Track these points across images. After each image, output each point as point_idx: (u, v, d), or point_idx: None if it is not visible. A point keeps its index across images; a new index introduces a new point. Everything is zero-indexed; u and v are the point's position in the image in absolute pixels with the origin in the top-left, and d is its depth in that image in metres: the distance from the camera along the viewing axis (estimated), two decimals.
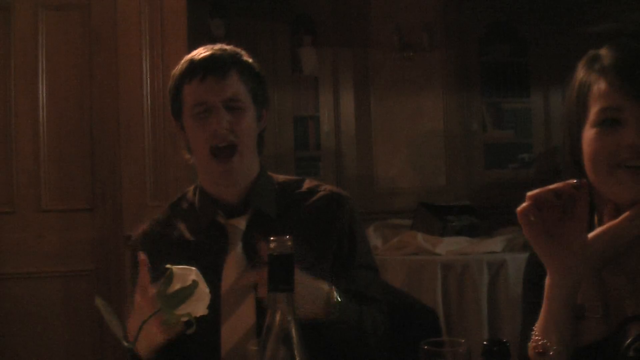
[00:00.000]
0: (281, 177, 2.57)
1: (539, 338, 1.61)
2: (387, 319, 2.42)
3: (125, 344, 1.40)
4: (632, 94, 1.66)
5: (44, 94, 5.19)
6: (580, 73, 1.79)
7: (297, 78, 7.23)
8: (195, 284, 1.47)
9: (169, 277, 1.47)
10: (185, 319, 1.48)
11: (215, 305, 2.21)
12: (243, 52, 2.46)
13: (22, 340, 5.05)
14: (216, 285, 2.28)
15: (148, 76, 5.05)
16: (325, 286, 2.20)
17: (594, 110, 1.71)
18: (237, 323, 2.28)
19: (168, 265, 1.49)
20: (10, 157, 5.15)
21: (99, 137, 5.22)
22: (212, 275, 2.20)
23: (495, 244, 5.58)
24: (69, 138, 5.20)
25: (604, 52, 1.77)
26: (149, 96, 5.01)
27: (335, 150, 7.18)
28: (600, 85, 1.71)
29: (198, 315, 1.49)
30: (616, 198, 1.68)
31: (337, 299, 2.20)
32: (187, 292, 1.46)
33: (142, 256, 2.02)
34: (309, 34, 7.27)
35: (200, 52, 2.39)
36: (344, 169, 7.17)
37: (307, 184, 2.52)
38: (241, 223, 2.39)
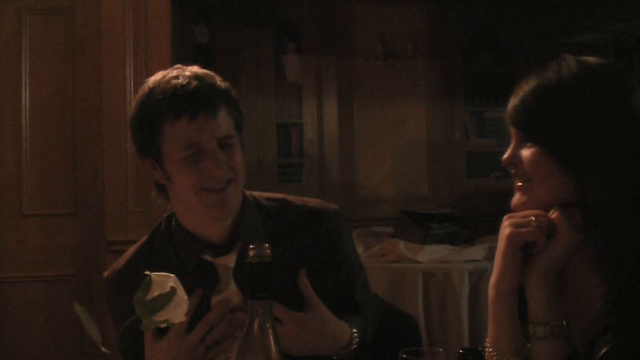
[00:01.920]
0: (262, 198, 2.37)
1: (493, 352, 1.64)
2: (377, 312, 2.45)
3: (104, 349, 1.41)
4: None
5: (27, 99, 5.18)
6: None
7: (280, 85, 7.23)
8: (173, 290, 1.47)
9: (147, 284, 1.47)
10: (163, 325, 1.48)
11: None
12: (217, 77, 2.20)
13: (3, 344, 5.04)
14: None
15: (131, 82, 5.04)
16: (346, 327, 2.19)
17: None
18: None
19: (147, 272, 1.49)
20: None
21: (81, 143, 5.21)
22: (204, 312, 2.17)
23: (476, 253, 5.59)
24: (51, 143, 5.20)
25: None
26: (132, 102, 5.00)
27: (318, 157, 7.18)
28: None
29: (176, 321, 1.49)
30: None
31: (355, 339, 2.18)
32: (166, 298, 1.46)
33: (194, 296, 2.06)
34: (293, 41, 7.28)
35: (180, 82, 2.09)
36: (326, 177, 7.18)
37: (291, 205, 2.37)
38: (229, 261, 2.20)
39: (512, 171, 1.79)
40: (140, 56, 5.09)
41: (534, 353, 1.63)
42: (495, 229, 1.77)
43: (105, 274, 2.37)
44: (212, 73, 2.20)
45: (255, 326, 1.40)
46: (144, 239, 2.37)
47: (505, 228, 1.69)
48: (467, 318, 5.26)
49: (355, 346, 2.18)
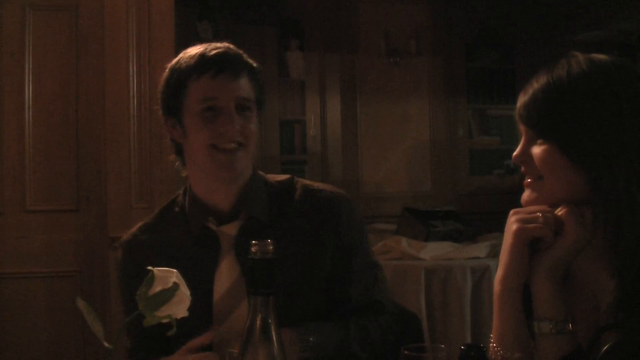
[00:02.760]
0: (272, 178, 2.46)
1: (498, 347, 1.64)
2: (383, 318, 2.39)
3: (107, 344, 1.41)
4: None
5: (30, 95, 5.18)
6: None
7: (284, 82, 7.24)
8: (176, 286, 1.48)
9: (150, 279, 1.47)
10: (166, 320, 1.48)
11: (207, 312, 2.25)
12: (247, 55, 2.36)
13: (6, 341, 5.04)
14: (208, 293, 2.26)
15: (135, 78, 5.03)
16: (291, 334, 2.11)
17: None
18: (230, 329, 2.24)
19: (149, 267, 1.49)
20: None
21: (84, 139, 5.21)
22: (204, 283, 2.25)
23: (479, 250, 5.59)
24: (54, 139, 5.19)
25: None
26: (135, 98, 5.00)
27: (321, 154, 7.19)
28: None
29: (179, 317, 1.49)
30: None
31: (307, 341, 2.09)
32: (168, 294, 1.46)
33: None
34: (296, 38, 7.28)
35: (211, 48, 2.28)
36: (329, 173, 7.18)
37: (299, 185, 2.42)
38: (233, 230, 2.30)
39: (522, 168, 1.79)
40: (143, 53, 5.09)
41: (539, 349, 1.63)
42: (498, 227, 1.78)
43: (121, 237, 2.48)
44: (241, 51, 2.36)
45: (258, 322, 1.40)
46: (162, 206, 2.50)
47: (512, 224, 1.69)
48: (470, 315, 5.26)
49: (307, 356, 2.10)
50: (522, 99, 1.78)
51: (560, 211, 1.68)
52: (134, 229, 2.47)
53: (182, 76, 2.26)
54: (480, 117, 7.63)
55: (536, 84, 1.75)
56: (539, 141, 1.74)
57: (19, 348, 5.04)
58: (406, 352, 1.44)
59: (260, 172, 2.45)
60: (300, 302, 2.26)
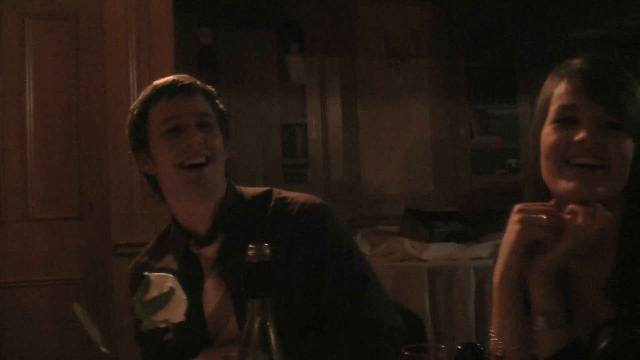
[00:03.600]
0: (249, 192, 2.46)
1: (499, 341, 1.64)
2: (373, 339, 2.26)
3: (104, 350, 1.42)
4: (589, 96, 1.72)
5: (31, 103, 5.19)
6: (548, 80, 1.84)
7: (284, 86, 7.24)
8: (172, 290, 1.49)
9: (146, 284, 1.48)
10: (163, 325, 1.49)
11: (202, 327, 2.31)
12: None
13: (11, 349, 5.05)
14: (200, 311, 2.31)
15: (135, 85, 5.04)
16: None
17: (552, 109, 1.76)
18: (226, 340, 2.29)
19: (145, 273, 1.51)
20: None
21: (86, 146, 5.22)
22: (195, 302, 2.27)
23: (482, 250, 5.59)
24: (56, 147, 5.21)
25: (574, 60, 1.81)
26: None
27: (323, 157, 7.19)
28: (561, 86, 1.77)
29: (176, 321, 1.50)
30: (565, 196, 1.71)
31: None
32: (165, 298, 1.47)
33: None
34: (296, 41, 7.29)
35: (163, 79, 2.36)
36: (331, 176, 7.19)
37: (275, 198, 2.42)
38: (211, 252, 2.34)
39: (591, 152, 1.71)
40: (143, 59, 5.10)
41: (537, 343, 1.64)
42: (501, 226, 1.77)
43: (129, 265, 2.56)
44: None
45: (256, 325, 1.40)
46: (161, 230, 2.57)
47: (516, 223, 1.69)
48: (474, 315, 5.26)
49: None
50: (589, 73, 1.76)
51: (567, 214, 1.68)
52: (138, 256, 2.55)
53: (142, 107, 2.34)
54: (481, 117, 7.63)
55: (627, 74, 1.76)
56: (621, 132, 1.71)
57: (23, 356, 5.05)
58: (407, 352, 1.44)
59: (238, 188, 2.46)
60: (281, 317, 2.24)
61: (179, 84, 2.32)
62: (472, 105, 7.59)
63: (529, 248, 1.68)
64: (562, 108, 1.75)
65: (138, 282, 2.32)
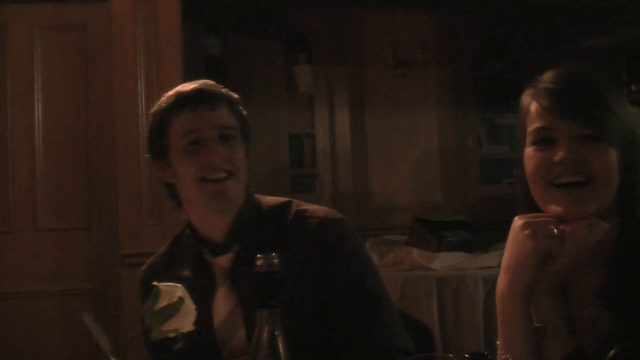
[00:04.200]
0: (268, 202, 2.43)
1: (508, 357, 1.63)
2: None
3: (113, 359, 1.42)
4: (561, 115, 1.69)
5: (40, 114, 5.21)
6: (524, 95, 1.83)
7: (292, 96, 7.25)
8: (181, 300, 1.49)
9: (156, 294, 1.49)
10: (172, 335, 1.50)
11: (211, 337, 2.29)
12: (223, 88, 2.38)
13: (19, 359, 5.06)
14: (209, 320, 2.29)
15: (143, 96, 5.06)
16: None
17: (529, 130, 1.75)
18: (235, 350, 2.27)
19: (155, 283, 1.51)
20: (7, 176, 5.16)
21: (94, 157, 5.24)
22: (205, 310, 2.26)
23: (490, 259, 5.58)
24: (64, 158, 5.22)
25: (543, 76, 1.80)
26: (144, 115, 5.02)
27: (331, 167, 7.19)
28: (532, 107, 1.76)
29: (185, 331, 1.51)
30: (557, 216, 1.69)
31: None
32: (174, 308, 1.48)
33: None
34: (303, 51, 7.30)
35: (187, 86, 2.31)
36: (339, 186, 7.19)
37: (294, 210, 2.39)
38: (226, 261, 2.31)
39: (574, 169, 1.68)
40: (151, 70, 5.12)
41: (543, 353, 1.63)
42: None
43: (141, 268, 2.55)
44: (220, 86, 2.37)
45: (264, 335, 1.41)
46: (175, 234, 2.55)
47: (528, 237, 1.66)
48: (482, 324, 5.25)
49: None
50: (555, 87, 1.74)
51: (567, 227, 1.66)
52: (151, 259, 2.54)
53: (163, 116, 2.29)
54: (489, 127, 7.63)
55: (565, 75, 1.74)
56: (599, 142, 1.68)
57: None
58: None
59: (257, 197, 2.44)
60: (290, 330, 2.23)
61: (203, 95, 2.27)
62: (480, 115, 7.59)
63: (541, 258, 1.67)
64: (537, 130, 1.73)
65: (149, 286, 2.33)
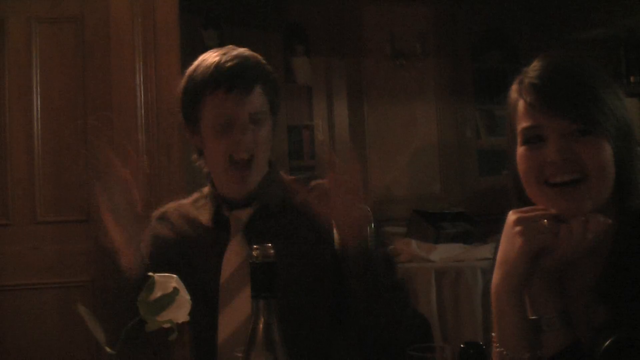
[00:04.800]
0: (289, 177, 2.57)
1: (504, 350, 1.62)
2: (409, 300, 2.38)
3: (109, 350, 1.42)
4: (549, 112, 1.68)
5: (38, 106, 5.20)
6: (512, 91, 1.81)
7: (290, 88, 7.23)
8: (176, 291, 1.50)
9: (151, 285, 1.49)
10: (167, 325, 1.50)
11: (213, 293, 2.31)
12: (263, 60, 2.45)
13: (19, 352, 5.06)
14: (217, 274, 2.33)
15: (141, 88, 5.05)
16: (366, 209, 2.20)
17: (519, 129, 1.74)
18: (235, 311, 2.28)
19: (150, 274, 1.51)
20: (5, 169, 5.16)
21: (93, 149, 5.23)
22: (213, 265, 2.33)
23: (489, 251, 5.54)
24: (63, 150, 5.22)
25: (529, 68, 1.78)
26: (142, 108, 5.02)
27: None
28: (520, 105, 1.75)
29: (179, 321, 1.51)
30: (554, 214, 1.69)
31: (370, 236, 2.22)
32: (168, 299, 1.49)
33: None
34: (301, 43, 7.29)
35: (226, 60, 2.34)
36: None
37: (313, 182, 2.47)
38: (244, 215, 2.40)
39: (566, 167, 1.68)
40: (149, 63, 5.11)
41: (540, 346, 1.63)
42: None
43: (153, 213, 2.62)
44: (258, 56, 2.45)
45: (261, 325, 1.41)
46: (200, 190, 2.62)
47: (519, 235, 1.66)
48: (481, 316, 5.25)
49: (367, 241, 2.19)
50: (540, 82, 1.72)
51: (563, 224, 1.66)
52: (164, 208, 2.61)
53: (198, 88, 2.35)
54: (488, 118, 7.61)
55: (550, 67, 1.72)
56: (588, 136, 1.66)
57: (32, 359, 5.06)
58: (411, 352, 1.45)
59: (281, 172, 2.56)
60: (306, 298, 2.28)
61: (240, 76, 2.31)
62: (479, 106, 7.58)
63: (533, 254, 1.66)
64: (526, 130, 1.72)
65: (161, 235, 2.43)
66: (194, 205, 2.55)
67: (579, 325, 1.65)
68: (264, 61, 2.45)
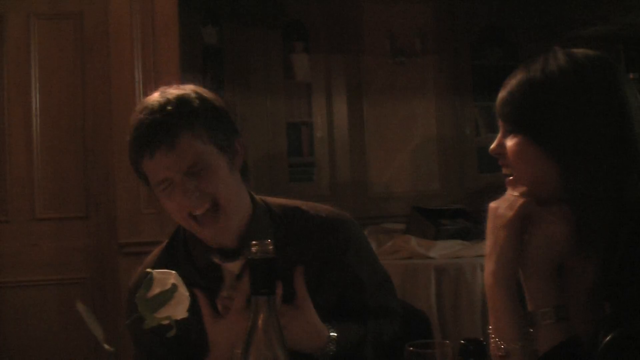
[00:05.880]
0: (275, 205, 2.36)
1: (499, 341, 1.63)
2: (395, 322, 2.40)
3: (107, 347, 1.42)
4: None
5: (37, 103, 5.21)
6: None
7: (289, 84, 7.24)
8: (174, 287, 1.49)
9: (149, 281, 1.49)
10: (165, 322, 1.50)
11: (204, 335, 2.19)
12: (191, 94, 2.15)
13: (19, 349, 5.07)
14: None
15: (141, 84, 5.05)
16: (318, 323, 2.12)
17: None
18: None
19: (148, 270, 1.51)
20: (4, 166, 5.17)
21: (92, 146, 5.24)
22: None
23: None
24: (62, 147, 5.23)
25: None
26: None
27: (329, 155, 7.19)
28: None
29: (178, 318, 1.51)
30: None
31: (331, 335, 2.14)
32: (167, 295, 1.48)
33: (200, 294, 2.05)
34: (301, 40, 7.29)
35: (140, 118, 2.10)
36: (337, 175, 7.18)
37: (303, 214, 2.34)
38: (235, 268, 2.20)
39: (500, 162, 1.81)
40: (148, 59, 5.10)
41: (536, 339, 1.64)
42: None
43: (130, 282, 2.39)
44: (187, 92, 2.16)
45: (260, 322, 1.40)
46: (164, 243, 2.41)
47: (501, 216, 1.72)
48: (480, 312, 5.26)
49: (331, 349, 2.13)
50: (500, 94, 1.80)
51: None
52: (149, 260, 2.40)
53: (132, 153, 2.15)
54: (487, 115, 7.61)
55: (513, 80, 1.77)
56: (513, 135, 1.75)
57: (30, 355, 5.06)
58: (411, 348, 1.45)
59: (262, 200, 2.36)
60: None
61: (159, 133, 2.06)
62: (478, 103, 7.58)
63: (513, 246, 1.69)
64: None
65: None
66: (171, 258, 2.35)
67: (580, 320, 1.66)
68: (191, 95, 2.14)
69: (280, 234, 2.28)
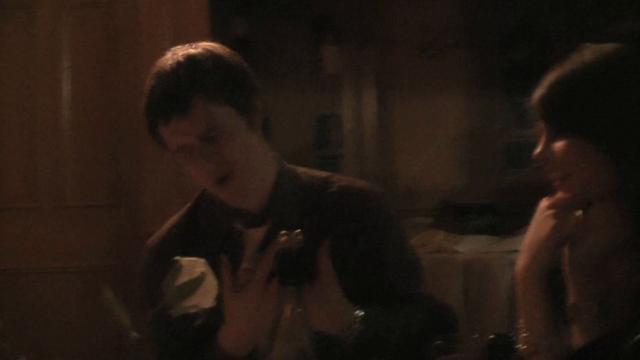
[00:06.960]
0: (305, 174, 2.34)
1: (529, 336, 1.62)
2: (423, 312, 2.31)
3: (134, 334, 1.42)
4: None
5: (67, 92, 5.23)
6: None
7: (319, 77, 7.23)
8: (203, 275, 1.48)
9: (177, 269, 1.48)
10: (192, 310, 1.49)
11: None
12: (204, 53, 2.11)
13: (43, 336, 5.09)
14: None
15: None
16: (344, 300, 2.06)
17: None
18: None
19: (177, 258, 1.50)
20: (34, 154, 5.20)
21: (122, 134, 5.26)
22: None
23: (517, 243, 5.47)
24: (91, 135, 5.25)
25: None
26: None
27: (357, 148, 7.18)
28: None
29: (206, 307, 1.50)
30: None
31: (358, 314, 2.07)
32: (195, 284, 1.47)
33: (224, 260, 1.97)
34: (331, 32, 7.27)
35: (153, 84, 2.10)
36: (365, 168, 7.17)
37: (333, 183, 2.30)
38: (259, 234, 2.18)
39: (546, 168, 1.76)
40: None
41: (570, 335, 1.63)
42: None
43: (149, 240, 2.45)
44: (199, 52, 2.12)
45: (287, 312, 1.40)
46: (189, 204, 2.40)
47: (550, 218, 1.70)
48: (508, 308, 5.24)
49: (357, 329, 2.05)
50: (538, 94, 1.78)
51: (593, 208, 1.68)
52: (162, 231, 2.42)
53: (147, 120, 2.15)
54: (517, 110, 7.57)
55: (552, 78, 1.73)
56: (559, 137, 1.71)
57: (56, 343, 5.09)
58: (439, 342, 1.44)
59: (293, 168, 2.35)
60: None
61: (170, 100, 2.04)
62: (508, 98, 7.54)
63: (562, 241, 1.67)
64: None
65: (158, 263, 2.22)
66: (193, 219, 2.35)
67: (619, 319, 1.64)
68: (201, 56, 2.10)
69: (308, 202, 2.25)
